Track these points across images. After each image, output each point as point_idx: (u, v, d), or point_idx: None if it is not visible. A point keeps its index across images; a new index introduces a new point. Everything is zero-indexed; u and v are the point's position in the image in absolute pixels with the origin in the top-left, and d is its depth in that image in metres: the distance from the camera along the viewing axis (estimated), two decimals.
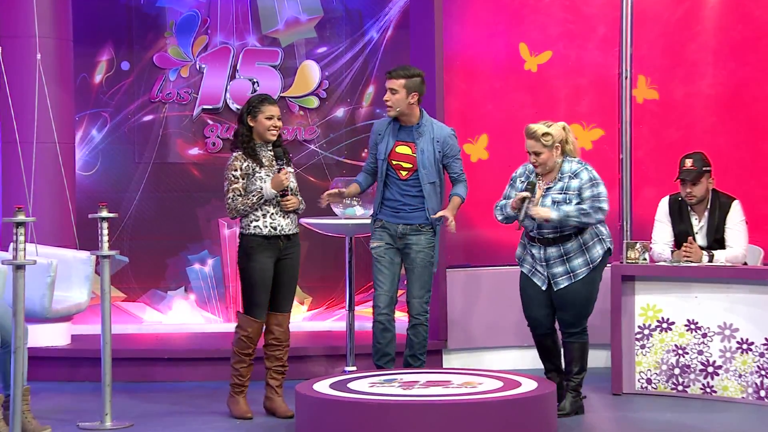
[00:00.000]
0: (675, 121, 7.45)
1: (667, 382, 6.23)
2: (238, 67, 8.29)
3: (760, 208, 7.08)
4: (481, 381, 5.46)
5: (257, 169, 5.68)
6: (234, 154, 5.75)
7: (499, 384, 5.37)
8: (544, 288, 5.71)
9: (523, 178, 5.79)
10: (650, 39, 7.41)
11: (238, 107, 8.20)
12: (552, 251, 5.65)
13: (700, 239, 6.33)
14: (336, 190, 6.11)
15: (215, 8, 8.30)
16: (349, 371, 6.24)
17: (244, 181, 5.67)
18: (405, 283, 6.15)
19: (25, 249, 4.85)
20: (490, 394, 5.16)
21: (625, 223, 6.84)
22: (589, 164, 5.74)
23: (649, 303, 6.28)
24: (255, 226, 5.70)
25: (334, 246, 7.53)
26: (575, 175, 5.62)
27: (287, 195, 5.69)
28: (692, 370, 6.16)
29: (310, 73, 8.33)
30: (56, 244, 7.21)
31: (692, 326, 6.16)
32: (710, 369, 6.11)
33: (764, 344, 5.95)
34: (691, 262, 6.20)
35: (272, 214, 5.70)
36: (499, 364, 7.09)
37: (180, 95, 8.28)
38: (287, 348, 5.84)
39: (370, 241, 6.16)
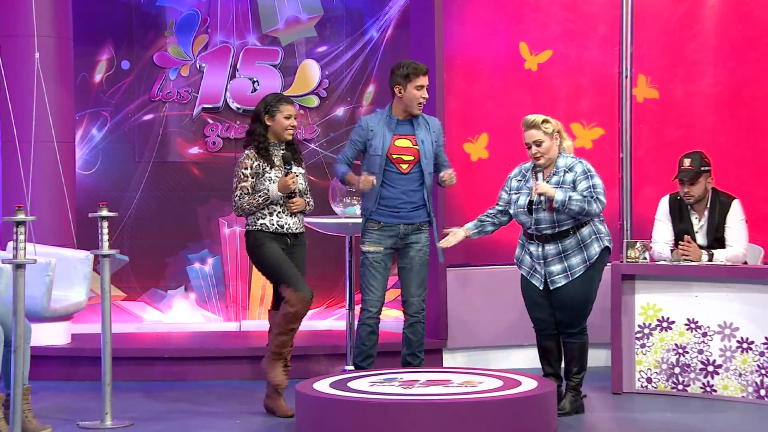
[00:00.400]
0: (675, 121, 7.45)
1: (667, 381, 6.23)
2: (238, 67, 8.30)
3: (761, 207, 7.08)
4: (481, 380, 5.46)
5: (267, 169, 5.68)
6: (246, 152, 5.75)
7: (499, 383, 5.37)
8: (541, 288, 5.69)
9: (519, 178, 5.78)
10: (650, 38, 7.40)
11: (239, 106, 8.22)
12: (550, 249, 5.64)
13: (700, 238, 6.33)
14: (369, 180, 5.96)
15: (215, 7, 8.30)
16: (349, 370, 6.24)
17: (253, 180, 5.67)
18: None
19: (25, 248, 4.85)
20: (490, 393, 5.16)
21: (625, 222, 6.84)
22: (584, 159, 5.73)
23: (649, 302, 6.28)
24: (261, 224, 5.69)
25: (334, 245, 7.53)
26: (570, 168, 5.62)
27: (294, 197, 5.69)
28: (692, 369, 6.16)
29: (310, 72, 8.34)
30: (55, 244, 7.21)
31: (692, 325, 6.16)
32: (710, 368, 6.11)
33: (764, 343, 5.95)
34: (691, 260, 6.20)
35: (279, 212, 5.70)
36: (499, 363, 7.09)
37: (180, 94, 8.29)
38: (291, 349, 5.83)
39: (362, 242, 6.08)
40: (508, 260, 7.27)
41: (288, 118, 5.73)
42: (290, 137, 5.77)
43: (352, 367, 6.26)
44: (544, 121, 5.62)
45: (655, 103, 7.45)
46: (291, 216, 5.73)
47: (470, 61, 7.39)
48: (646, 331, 6.28)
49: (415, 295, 6.03)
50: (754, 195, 7.06)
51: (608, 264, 5.97)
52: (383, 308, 6.11)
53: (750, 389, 5.99)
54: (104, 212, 5.61)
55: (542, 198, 5.56)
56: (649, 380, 6.28)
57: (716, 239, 6.31)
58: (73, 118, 7.74)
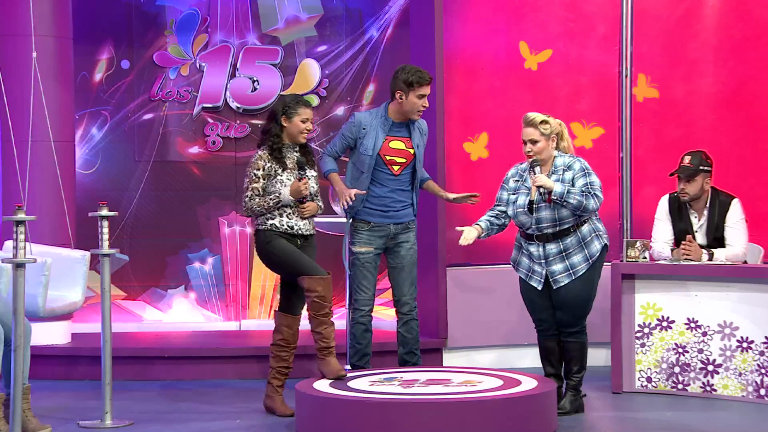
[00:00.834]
0: (675, 120, 7.45)
1: (667, 380, 6.23)
2: (238, 66, 8.30)
3: (760, 206, 7.08)
4: (481, 379, 5.46)
5: (280, 171, 5.64)
6: (259, 152, 5.71)
7: (499, 382, 5.37)
8: (540, 288, 5.68)
9: (516, 178, 5.77)
10: (650, 37, 7.40)
11: (238, 106, 8.23)
12: (551, 248, 5.63)
13: (700, 237, 6.33)
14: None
15: (215, 7, 8.31)
16: (348, 370, 6.24)
17: (265, 181, 5.64)
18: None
19: (25, 247, 4.85)
20: (490, 392, 5.16)
21: (625, 222, 6.84)
22: (582, 158, 5.73)
23: (649, 301, 6.27)
24: (271, 224, 5.65)
25: (333, 245, 7.53)
26: (568, 167, 5.61)
27: (305, 202, 5.66)
28: (692, 368, 6.16)
29: (310, 71, 8.33)
30: (53, 243, 7.20)
31: (692, 325, 6.16)
32: (710, 367, 6.11)
33: (764, 343, 5.95)
34: (691, 260, 6.20)
35: (289, 214, 5.67)
36: (499, 362, 7.08)
37: (180, 94, 8.29)
38: (294, 350, 5.82)
39: (351, 243, 6.05)
40: (508, 260, 7.27)
41: (305, 121, 5.68)
42: (304, 140, 5.74)
43: (349, 367, 6.27)
44: (543, 122, 5.62)
45: (655, 102, 7.45)
46: (302, 218, 5.70)
47: (470, 60, 7.39)
48: (646, 330, 6.28)
49: (407, 293, 6.04)
50: (754, 194, 7.06)
51: (608, 263, 5.97)
52: (382, 307, 6.12)
53: (750, 389, 5.99)
54: (104, 212, 5.60)
55: (541, 190, 5.54)
56: (649, 380, 6.28)
57: (716, 238, 6.31)
58: (73, 117, 7.74)
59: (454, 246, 7.20)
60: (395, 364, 6.25)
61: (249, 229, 8.31)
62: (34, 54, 7.16)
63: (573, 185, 5.56)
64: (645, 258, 6.24)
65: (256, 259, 8.24)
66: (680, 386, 6.19)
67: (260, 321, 8.24)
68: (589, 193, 5.52)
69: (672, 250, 6.36)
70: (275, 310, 5.92)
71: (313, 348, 6.99)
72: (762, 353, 5.95)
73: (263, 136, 5.75)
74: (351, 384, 5.38)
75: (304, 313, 5.78)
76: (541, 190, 5.53)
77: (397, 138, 6.00)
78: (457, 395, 5.09)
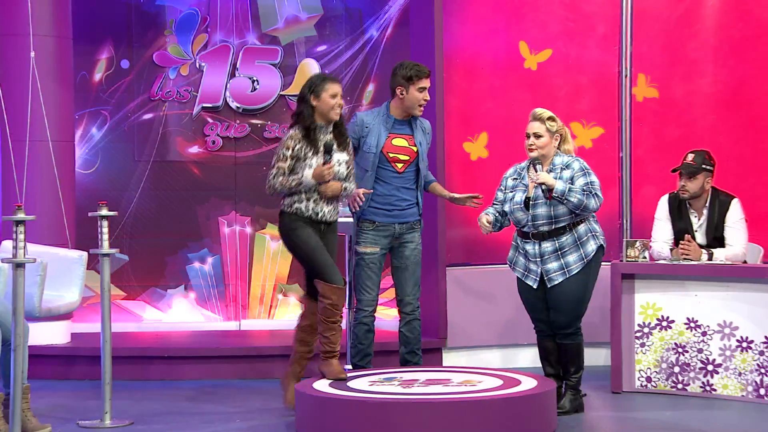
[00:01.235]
0: (675, 120, 7.45)
1: (666, 380, 6.23)
2: (237, 66, 8.30)
3: (760, 206, 7.08)
4: (480, 379, 5.46)
5: (310, 155, 5.52)
6: (291, 131, 5.57)
7: (499, 382, 5.37)
8: (535, 287, 5.67)
9: (514, 176, 5.76)
10: (650, 37, 7.40)
11: (238, 105, 8.23)
12: (547, 246, 5.62)
13: (700, 237, 6.33)
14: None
15: (215, 6, 8.31)
16: (348, 370, 6.23)
17: (293, 162, 5.50)
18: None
19: (25, 247, 4.86)
20: (489, 392, 5.16)
21: (624, 222, 6.84)
22: (581, 158, 5.73)
23: (648, 301, 6.27)
24: (296, 208, 5.55)
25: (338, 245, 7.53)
26: (567, 166, 5.61)
27: (329, 181, 5.53)
28: (692, 368, 6.16)
29: (310, 71, 8.33)
30: (51, 243, 7.20)
31: (692, 324, 6.16)
32: (710, 367, 6.11)
33: (764, 342, 5.95)
34: (690, 259, 6.20)
35: (316, 199, 5.55)
36: (498, 362, 7.09)
37: (180, 93, 8.29)
38: (318, 336, 5.69)
39: (356, 243, 6.03)
40: None
41: (334, 96, 5.55)
42: (337, 117, 5.59)
43: (350, 367, 6.26)
44: (550, 118, 5.65)
45: (655, 102, 7.45)
46: (327, 204, 5.58)
47: (470, 60, 7.39)
48: (646, 330, 6.28)
49: (411, 294, 6.04)
50: (753, 194, 7.06)
51: (607, 263, 5.97)
52: (382, 307, 6.12)
53: (749, 388, 5.99)
54: (104, 211, 5.60)
55: (543, 187, 5.53)
56: (648, 379, 6.28)
57: (715, 238, 6.31)
58: (72, 117, 7.74)
59: (454, 246, 7.23)
60: (396, 364, 6.25)
61: (249, 229, 8.31)
62: (32, 54, 7.16)
63: (572, 183, 5.56)
64: (645, 258, 6.24)
65: (256, 259, 8.27)
66: (680, 386, 6.19)
67: (260, 321, 8.24)
68: (590, 192, 5.52)
69: (671, 250, 6.36)
70: (302, 295, 5.84)
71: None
72: (762, 353, 5.95)
73: (297, 118, 5.61)
74: (351, 384, 5.38)
75: (297, 310, 5.74)
76: (543, 187, 5.52)
77: (400, 135, 6.00)
78: (457, 395, 5.09)
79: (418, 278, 6.10)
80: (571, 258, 5.60)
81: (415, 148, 6.00)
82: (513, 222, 5.76)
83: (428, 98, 5.99)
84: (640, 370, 6.29)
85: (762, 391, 5.95)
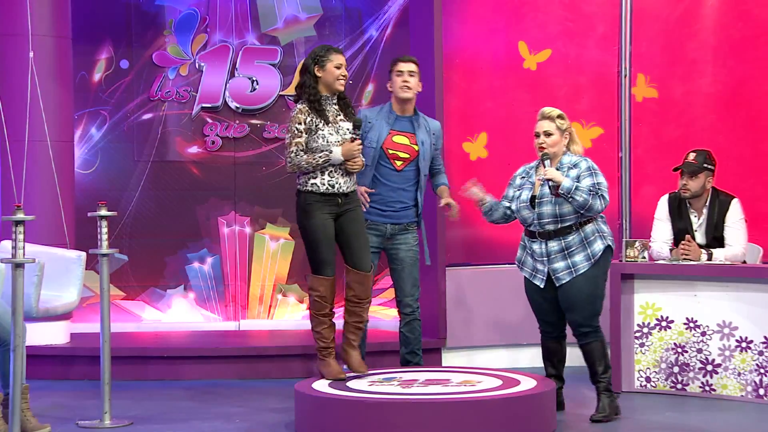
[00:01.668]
0: (674, 120, 7.45)
1: (666, 380, 6.24)
2: (237, 66, 8.29)
3: (760, 206, 7.08)
4: (480, 379, 5.46)
5: (321, 125, 5.46)
6: (298, 106, 5.51)
7: (499, 382, 5.37)
8: (542, 286, 5.63)
9: (523, 175, 5.74)
10: (649, 37, 7.41)
11: (238, 106, 8.23)
12: (553, 245, 5.56)
13: (699, 237, 6.33)
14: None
15: (214, 6, 8.30)
16: (347, 369, 6.23)
17: (307, 136, 5.45)
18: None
19: (24, 247, 4.86)
20: (489, 392, 5.16)
21: (624, 222, 6.83)
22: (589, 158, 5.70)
23: (648, 301, 6.28)
24: (312, 183, 5.45)
25: None
26: (574, 165, 5.58)
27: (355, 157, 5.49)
28: (691, 368, 6.16)
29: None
30: (49, 243, 7.19)
31: (691, 324, 6.16)
32: (709, 367, 6.11)
33: (763, 342, 5.95)
34: (690, 259, 6.20)
35: (331, 171, 5.46)
36: (498, 362, 7.08)
37: (179, 93, 8.28)
38: (368, 305, 5.64)
39: None
40: (508, 260, 7.27)
41: (339, 67, 5.52)
42: (342, 87, 5.55)
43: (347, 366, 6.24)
44: (560, 116, 5.62)
45: (654, 102, 7.45)
46: (343, 175, 5.49)
47: (469, 60, 7.39)
48: (645, 330, 6.28)
49: (409, 294, 6.04)
50: (753, 194, 7.07)
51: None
52: (382, 307, 6.10)
53: (749, 388, 5.99)
54: (103, 211, 5.60)
55: (550, 183, 5.50)
56: (648, 379, 6.28)
57: (715, 238, 6.31)
58: (71, 117, 7.74)
59: (453, 246, 7.23)
60: (395, 363, 6.25)
61: (248, 229, 8.31)
62: (31, 54, 7.16)
63: (580, 182, 5.52)
64: (644, 258, 6.24)
65: (256, 259, 8.27)
66: (679, 386, 6.19)
67: (260, 321, 8.24)
68: (596, 193, 5.47)
69: (671, 250, 6.36)
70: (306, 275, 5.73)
71: (312, 348, 7.02)
72: (761, 353, 5.95)
73: (298, 91, 5.56)
74: (350, 384, 5.38)
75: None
76: (550, 183, 5.49)
77: (401, 133, 6.00)
78: (457, 395, 5.09)
79: (416, 279, 6.09)
80: (578, 257, 5.55)
81: (416, 147, 5.99)
82: (520, 221, 5.72)
83: (407, 80, 6.02)
84: (639, 370, 6.29)
85: (761, 391, 5.95)
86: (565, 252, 5.57)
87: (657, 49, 7.44)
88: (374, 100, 8.26)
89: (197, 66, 8.29)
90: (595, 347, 5.59)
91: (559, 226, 5.56)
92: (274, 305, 8.31)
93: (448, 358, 7.16)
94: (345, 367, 5.61)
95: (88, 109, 8.22)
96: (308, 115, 5.46)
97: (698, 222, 6.36)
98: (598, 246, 5.58)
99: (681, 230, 6.35)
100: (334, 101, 5.58)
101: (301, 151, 5.42)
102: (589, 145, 7.39)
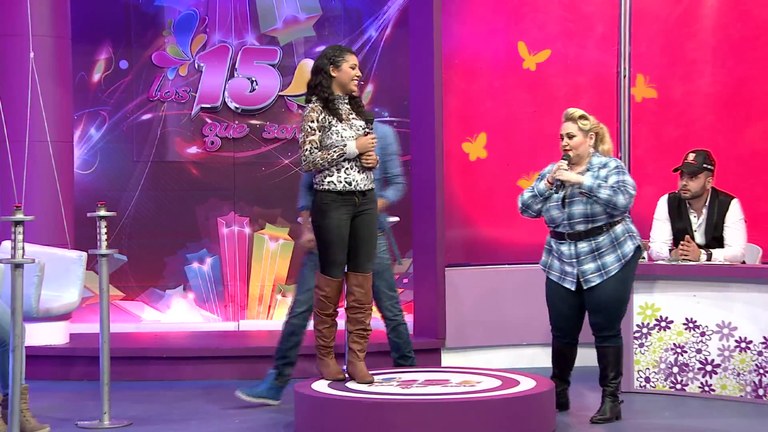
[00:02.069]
0: (674, 120, 7.45)
1: (665, 380, 6.24)
2: (236, 66, 8.29)
3: (759, 206, 7.08)
4: (479, 380, 5.46)
5: (334, 122, 5.40)
6: (310, 104, 5.47)
7: (498, 383, 5.37)
8: (573, 289, 5.50)
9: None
10: (649, 37, 7.41)
11: (237, 106, 8.23)
12: (583, 247, 5.46)
13: (699, 237, 6.33)
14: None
15: (214, 7, 8.31)
16: (346, 370, 6.21)
17: (320, 133, 5.39)
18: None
19: (23, 248, 4.86)
20: (488, 392, 5.16)
21: None
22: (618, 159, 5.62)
23: (647, 302, 6.27)
24: (329, 182, 5.38)
25: None
26: (604, 165, 5.48)
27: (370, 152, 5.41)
28: (691, 368, 6.16)
29: (309, 72, 8.32)
30: (50, 244, 7.19)
31: (691, 325, 6.16)
32: (709, 367, 6.11)
33: (762, 343, 5.96)
34: (689, 260, 6.20)
35: (347, 168, 5.40)
36: (497, 362, 7.08)
37: (179, 94, 8.29)
38: (370, 311, 5.59)
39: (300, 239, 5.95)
40: (507, 260, 7.29)
41: (353, 67, 5.46)
42: (356, 88, 5.49)
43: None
44: (582, 117, 5.50)
45: (654, 102, 7.45)
46: (360, 172, 5.42)
47: (469, 60, 7.39)
48: (645, 330, 6.28)
49: (386, 299, 5.97)
50: (752, 194, 7.06)
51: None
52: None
53: (748, 389, 5.99)
54: (102, 212, 5.60)
55: (571, 187, 5.45)
56: (647, 380, 6.28)
57: (714, 238, 6.31)
58: (71, 117, 7.74)
59: (452, 246, 7.23)
60: (393, 364, 6.24)
61: (247, 230, 8.31)
62: (32, 54, 7.16)
63: (606, 181, 5.43)
64: (643, 258, 6.24)
65: (255, 259, 8.28)
66: (679, 386, 6.19)
67: (259, 321, 8.24)
68: (619, 189, 5.40)
69: (670, 250, 6.36)
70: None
71: (311, 348, 7.01)
72: (760, 353, 5.95)
73: (312, 90, 5.51)
74: (349, 384, 5.37)
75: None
76: (570, 186, 5.40)
77: None
78: (456, 395, 5.08)
79: (390, 284, 6.00)
80: (609, 259, 5.46)
81: None
82: (547, 221, 5.59)
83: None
84: (638, 371, 6.29)
85: (760, 392, 5.95)
86: (596, 253, 5.46)
87: (656, 50, 7.44)
88: (374, 100, 8.26)
89: (196, 66, 8.29)
90: (612, 352, 5.54)
91: (590, 226, 5.44)
92: (273, 305, 8.31)
93: (448, 359, 7.16)
94: (344, 367, 5.61)
95: (87, 110, 8.23)
96: (321, 113, 5.43)
97: (698, 222, 6.36)
98: (629, 247, 5.50)
99: (680, 230, 6.35)
100: (346, 101, 5.53)
101: (315, 148, 5.38)
102: None
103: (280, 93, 8.28)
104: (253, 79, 8.30)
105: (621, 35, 6.94)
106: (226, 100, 8.28)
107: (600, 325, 5.52)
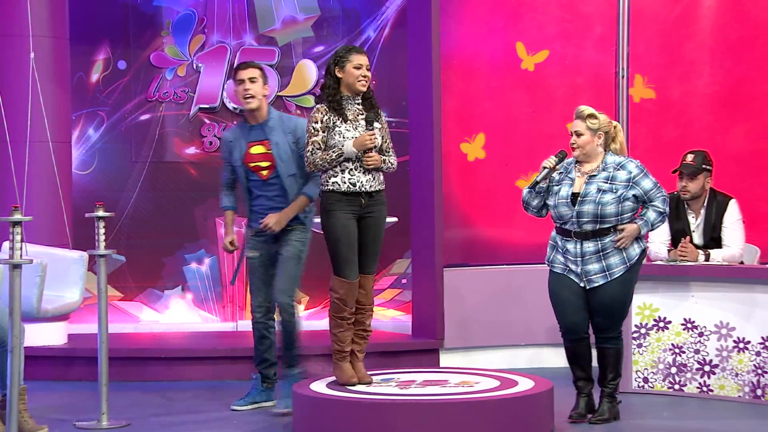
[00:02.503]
0: (672, 120, 7.46)
1: (663, 381, 6.24)
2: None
3: (757, 206, 7.09)
4: (477, 380, 5.46)
5: (338, 123, 5.40)
6: (317, 106, 5.48)
7: (496, 383, 5.37)
8: (581, 284, 5.44)
9: (561, 170, 5.52)
10: (647, 38, 7.41)
11: (235, 106, 8.22)
12: (589, 246, 5.40)
13: (697, 238, 6.34)
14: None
15: (212, 7, 8.30)
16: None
17: (325, 134, 5.38)
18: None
19: (21, 248, 4.86)
20: (486, 393, 5.16)
21: None
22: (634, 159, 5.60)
23: (645, 302, 6.28)
24: (333, 182, 5.37)
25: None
26: (621, 166, 5.42)
27: (370, 152, 5.37)
28: (689, 369, 6.16)
29: (307, 72, 8.34)
30: (50, 244, 7.19)
31: (689, 325, 6.16)
32: (707, 368, 6.11)
33: (760, 343, 5.96)
34: (688, 261, 6.20)
35: (351, 169, 5.38)
36: (495, 363, 7.08)
37: (177, 94, 8.28)
38: (371, 312, 5.57)
39: (245, 248, 5.95)
40: (506, 260, 7.29)
41: (358, 67, 5.41)
42: (363, 88, 5.45)
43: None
44: (590, 116, 5.45)
45: (652, 103, 7.46)
46: (365, 173, 5.40)
47: (467, 60, 7.40)
48: (643, 331, 6.28)
49: (281, 289, 5.85)
50: (750, 195, 7.07)
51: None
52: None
53: (746, 389, 6.00)
54: (101, 212, 5.60)
55: (549, 175, 5.44)
56: (645, 380, 6.29)
57: (713, 239, 6.32)
58: (69, 118, 7.74)
59: (451, 247, 7.23)
60: (392, 365, 6.24)
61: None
62: (32, 55, 7.15)
63: (634, 186, 5.37)
64: None
65: None
66: (677, 387, 6.20)
67: None
68: (662, 199, 5.41)
69: (669, 251, 6.36)
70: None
71: (310, 349, 7.02)
72: (758, 353, 5.96)
73: (321, 92, 5.54)
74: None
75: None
76: (627, 240, 5.39)
77: (257, 142, 5.83)
78: (454, 396, 5.09)
79: (292, 277, 5.85)
80: (614, 260, 5.41)
81: (271, 152, 5.83)
82: (554, 217, 5.53)
83: (247, 87, 5.78)
84: (637, 371, 6.30)
85: (758, 392, 5.95)
86: (601, 254, 5.41)
87: (654, 50, 7.45)
88: None
89: (195, 67, 8.29)
90: (612, 353, 5.52)
91: (598, 227, 5.39)
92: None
93: (446, 359, 7.16)
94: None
95: (85, 110, 8.22)
96: (326, 113, 5.42)
97: (696, 223, 6.36)
98: (635, 250, 5.45)
99: (679, 231, 6.36)
100: (358, 101, 5.50)
101: (318, 149, 5.38)
102: None
103: (278, 93, 8.28)
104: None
105: (619, 36, 6.94)
106: (225, 100, 8.28)
107: (602, 327, 5.50)
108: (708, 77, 7.42)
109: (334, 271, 5.44)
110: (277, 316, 5.92)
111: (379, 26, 8.34)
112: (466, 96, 7.39)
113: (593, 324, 5.53)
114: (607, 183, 5.39)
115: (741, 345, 6.01)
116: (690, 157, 6.30)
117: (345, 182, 5.37)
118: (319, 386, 5.36)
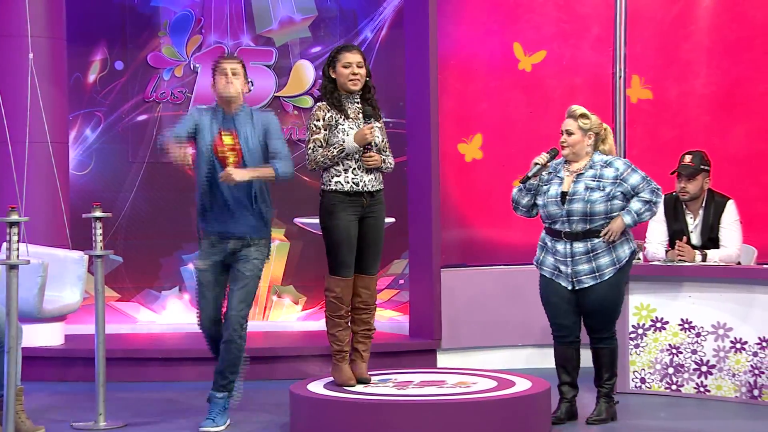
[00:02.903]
0: (669, 121, 7.46)
1: (660, 381, 6.24)
2: None
3: (755, 207, 7.09)
4: (475, 381, 5.47)
5: (341, 120, 5.39)
6: (318, 104, 5.48)
7: (493, 383, 5.38)
8: (570, 288, 5.45)
9: (551, 169, 5.54)
10: (644, 38, 7.41)
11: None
12: (578, 247, 5.40)
13: (695, 238, 6.34)
14: None
15: (209, 8, 8.30)
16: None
17: (326, 132, 5.37)
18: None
19: (18, 249, 4.85)
20: (484, 393, 5.16)
21: None
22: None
23: (642, 302, 6.28)
24: (336, 182, 5.37)
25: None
26: (608, 164, 5.44)
27: (370, 151, 5.35)
28: (686, 369, 6.16)
29: (305, 72, 8.34)
30: (50, 244, 7.19)
31: (686, 326, 6.17)
32: (704, 368, 6.11)
33: (757, 344, 5.96)
34: (685, 261, 6.21)
35: (354, 169, 5.37)
36: (493, 363, 7.08)
37: (174, 95, 8.28)
38: (374, 311, 5.59)
39: (196, 258, 5.69)
40: (503, 261, 7.29)
41: (347, 66, 5.40)
42: (355, 87, 5.43)
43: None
44: (582, 115, 5.46)
45: (649, 103, 7.46)
46: (367, 173, 5.39)
47: (464, 61, 7.39)
48: (640, 331, 6.28)
49: (234, 309, 5.55)
50: (748, 195, 7.07)
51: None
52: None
53: (743, 389, 6.00)
54: (98, 213, 5.60)
55: (540, 173, 5.43)
56: (642, 380, 6.29)
57: (710, 239, 6.32)
58: (66, 118, 7.73)
59: (448, 247, 7.23)
60: (390, 365, 6.24)
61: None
62: (31, 55, 7.14)
63: (622, 183, 5.39)
64: (639, 259, 6.24)
65: None
66: (674, 387, 6.20)
67: (255, 322, 8.19)
68: (651, 191, 5.39)
69: (666, 251, 6.37)
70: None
71: (307, 349, 7.03)
72: (755, 354, 5.96)
73: (320, 93, 5.55)
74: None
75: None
76: (615, 233, 5.38)
77: (228, 132, 5.39)
78: (452, 396, 5.09)
79: (248, 293, 5.49)
80: (603, 261, 5.40)
81: (240, 146, 5.40)
82: (543, 217, 5.53)
83: (229, 76, 5.39)
84: (634, 372, 6.30)
85: (755, 392, 5.96)
86: (590, 255, 5.40)
87: (652, 51, 7.45)
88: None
89: (192, 67, 8.29)
90: (607, 353, 5.53)
91: (588, 227, 5.39)
92: (269, 307, 8.30)
93: (443, 360, 7.16)
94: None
95: (82, 111, 8.22)
96: (327, 111, 5.42)
97: (694, 223, 6.37)
98: (625, 251, 5.46)
99: (676, 231, 6.36)
100: (356, 100, 5.50)
101: (319, 147, 5.37)
102: None
103: (275, 94, 8.28)
104: (249, 80, 8.28)
105: (616, 36, 6.94)
106: None
107: (594, 327, 5.51)
108: (705, 78, 7.42)
109: (330, 271, 5.43)
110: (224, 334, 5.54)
111: (377, 27, 8.34)
112: (464, 96, 7.39)
113: (586, 325, 5.54)
114: (594, 181, 5.41)
115: (738, 345, 6.01)
116: (688, 158, 6.30)
117: (348, 182, 5.36)
118: (317, 387, 5.36)
